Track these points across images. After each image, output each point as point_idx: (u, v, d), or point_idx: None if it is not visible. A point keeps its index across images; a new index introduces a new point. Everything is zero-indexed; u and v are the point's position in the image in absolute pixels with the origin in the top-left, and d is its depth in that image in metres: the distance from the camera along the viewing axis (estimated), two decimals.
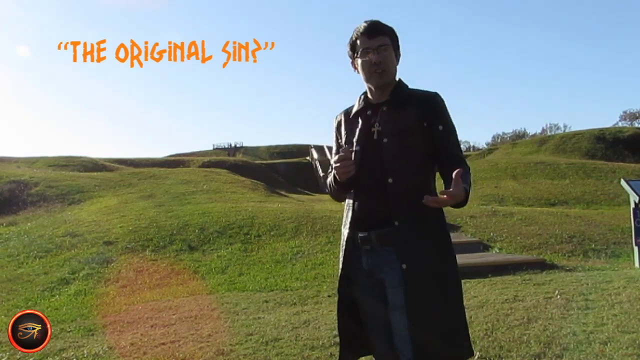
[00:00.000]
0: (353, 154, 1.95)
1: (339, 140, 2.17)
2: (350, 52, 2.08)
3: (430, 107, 2.00)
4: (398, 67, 2.08)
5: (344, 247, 2.07)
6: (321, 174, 24.68)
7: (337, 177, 1.96)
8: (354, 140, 2.03)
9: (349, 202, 2.08)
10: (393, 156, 1.95)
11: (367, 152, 1.98)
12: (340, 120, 2.17)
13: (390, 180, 1.93)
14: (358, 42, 2.02)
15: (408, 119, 1.98)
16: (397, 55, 2.06)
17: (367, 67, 2.00)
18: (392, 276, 1.91)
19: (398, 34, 2.08)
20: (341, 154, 1.91)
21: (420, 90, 2.06)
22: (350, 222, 2.04)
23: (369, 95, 2.11)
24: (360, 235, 1.99)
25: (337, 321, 2.08)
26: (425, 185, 1.98)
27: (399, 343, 1.87)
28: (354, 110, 2.12)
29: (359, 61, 2.03)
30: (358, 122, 2.07)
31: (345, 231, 2.06)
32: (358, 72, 2.07)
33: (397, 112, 2.00)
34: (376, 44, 1.98)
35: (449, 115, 2.03)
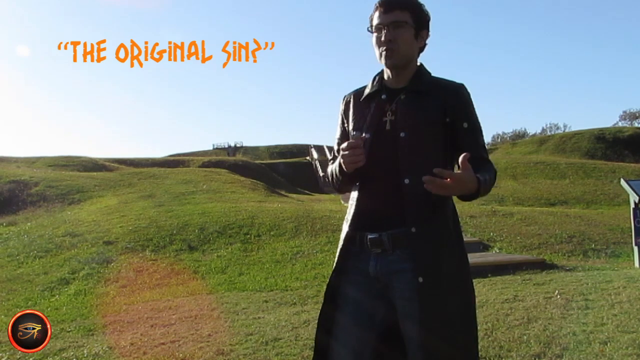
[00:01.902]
0: (363, 142, 1.74)
1: (345, 125, 1.93)
2: (369, 27, 1.87)
3: (455, 100, 1.79)
4: (426, 49, 1.86)
5: (346, 248, 1.85)
6: (321, 174, 24.69)
7: (344, 167, 1.75)
8: (365, 127, 1.81)
9: (353, 198, 1.86)
10: (411, 153, 1.74)
11: (378, 144, 1.75)
12: (349, 102, 1.94)
13: (407, 180, 1.73)
14: (374, 16, 1.82)
15: (429, 112, 1.77)
16: (421, 35, 1.83)
17: (378, 45, 1.80)
18: (405, 287, 1.72)
19: (428, 11, 1.84)
20: (351, 140, 1.70)
21: (445, 80, 1.85)
22: (354, 220, 1.83)
23: (385, 77, 1.88)
24: (370, 236, 1.77)
25: (317, 322, 1.84)
26: None
27: (412, 355, 1.72)
28: (367, 92, 1.88)
29: (372, 37, 1.83)
30: (370, 107, 1.85)
31: (346, 227, 1.85)
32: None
33: (417, 103, 1.79)
34: (389, 20, 1.76)
35: (475, 111, 1.83)
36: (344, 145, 1.72)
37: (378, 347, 1.78)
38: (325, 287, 1.87)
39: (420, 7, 1.82)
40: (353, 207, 1.85)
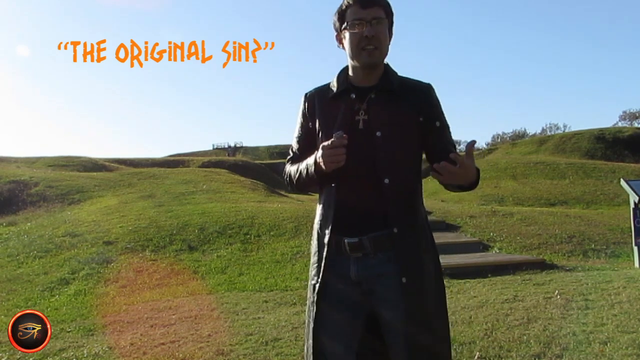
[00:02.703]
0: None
1: (310, 125, 1.86)
2: (337, 24, 1.80)
3: (426, 99, 1.80)
4: (389, 47, 1.82)
5: (324, 253, 1.77)
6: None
7: (323, 166, 1.68)
8: (336, 126, 1.75)
9: (328, 200, 1.78)
10: (389, 153, 1.72)
11: (352, 144, 1.67)
12: (314, 100, 1.87)
13: (386, 180, 1.71)
14: (348, 11, 1.75)
15: (403, 111, 1.76)
16: (390, 33, 1.80)
17: (357, 42, 1.73)
18: (388, 289, 1.71)
19: (393, 9, 1.81)
20: (334, 140, 1.64)
21: (413, 80, 1.84)
22: (335, 223, 1.75)
23: (351, 74, 1.83)
24: (348, 241, 1.73)
25: (311, 342, 1.79)
26: (418, 186, 1.81)
27: (394, 345, 1.74)
28: (334, 91, 1.83)
29: (347, 34, 1.76)
30: (339, 107, 1.79)
31: (326, 233, 1.77)
32: (343, 47, 1.81)
33: (389, 102, 1.77)
34: (370, 16, 1.72)
35: (442, 110, 1.85)
36: (326, 143, 1.66)
37: (363, 338, 1.80)
38: (311, 291, 1.83)
39: (390, 5, 1.80)
40: (332, 210, 1.77)
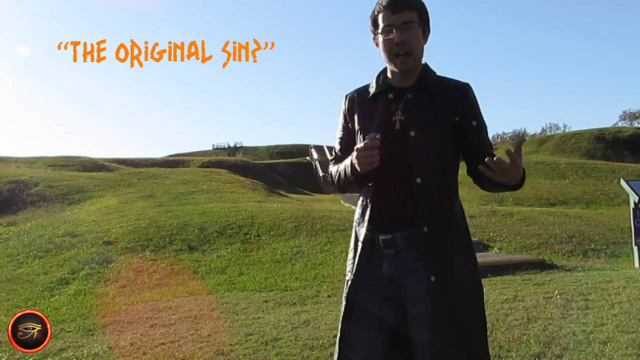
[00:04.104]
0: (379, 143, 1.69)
1: (350, 125, 1.90)
2: (371, 27, 1.83)
3: (463, 99, 1.80)
4: (426, 47, 1.82)
5: (359, 250, 1.81)
6: (321, 174, 24.73)
7: (357, 168, 1.70)
8: (374, 127, 1.77)
9: (365, 199, 1.82)
10: (422, 153, 1.74)
11: (389, 143, 1.70)
12: (354, 101, 1.90)
13: (418, 180, 1.72)
14: (380, 17, 1.77)
15: (438, 111, 1.77)
16: (426, 33, 1.81)
17: (389, 48, 1.75)
18: (417, 286, 1.72)
19: (428, 8, 1.82)
20: (367, 141, 1.66)
21: (451, 79, 1.85)
22: (369, 222, 1.79)
23: (389, 76, 1.85)
24: (382, 237, 1.76)
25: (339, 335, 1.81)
26: (452, 186, 1.81)
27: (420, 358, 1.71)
28: (372, 92, 1.85)
29: (380, 39, 1.78)
30: (377, 107, 1.82)
31: (362, 231, 1.80)
32: (379, 49, 1.83)
33: (425, 102, 1.78)
34: (400, 21, 1.73)
35: (480, 110, 1.85)
36: (359, 145, 1.67)
37: (387, 352, 1.78)
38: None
39: (424, 5, 1.81)
40: (368, 208, 1.80)
